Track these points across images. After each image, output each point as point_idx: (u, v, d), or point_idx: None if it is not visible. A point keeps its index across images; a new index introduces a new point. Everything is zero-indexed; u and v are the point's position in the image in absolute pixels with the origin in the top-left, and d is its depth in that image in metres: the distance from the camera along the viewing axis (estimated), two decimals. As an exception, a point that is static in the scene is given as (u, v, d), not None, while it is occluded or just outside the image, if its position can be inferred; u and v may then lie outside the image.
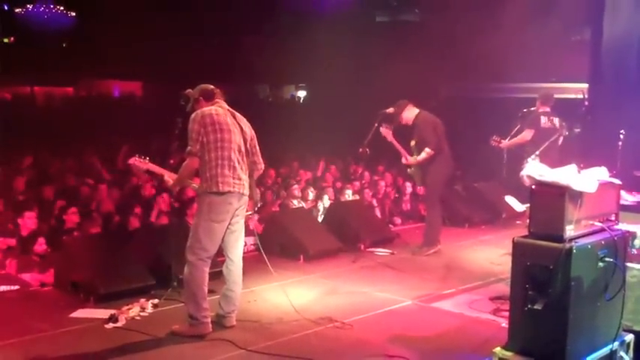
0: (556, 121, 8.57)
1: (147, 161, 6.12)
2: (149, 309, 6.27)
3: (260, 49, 21.43)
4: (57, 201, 9.66)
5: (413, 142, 8.52)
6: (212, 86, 5.92)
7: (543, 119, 8.52)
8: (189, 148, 5.64)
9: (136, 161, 6.13)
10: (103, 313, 6.07)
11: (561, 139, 8.54)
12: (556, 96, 8.89)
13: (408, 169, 8.83)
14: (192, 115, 5.70)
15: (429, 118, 8.49)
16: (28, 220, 8.37)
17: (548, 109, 8.63)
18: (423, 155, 8.35)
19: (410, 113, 8.49)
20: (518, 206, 7.19)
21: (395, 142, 8.56)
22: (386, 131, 8.46)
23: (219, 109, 5.78)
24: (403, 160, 8.67)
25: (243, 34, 21.74)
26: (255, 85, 27.13)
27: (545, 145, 8.02)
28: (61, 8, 25.03)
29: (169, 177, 5.98)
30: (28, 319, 6.04)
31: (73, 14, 25.23)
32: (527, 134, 8.51)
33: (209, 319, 5.77)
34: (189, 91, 5.94)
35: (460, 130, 14.09)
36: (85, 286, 6.55)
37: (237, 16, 21.07)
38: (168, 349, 5.44)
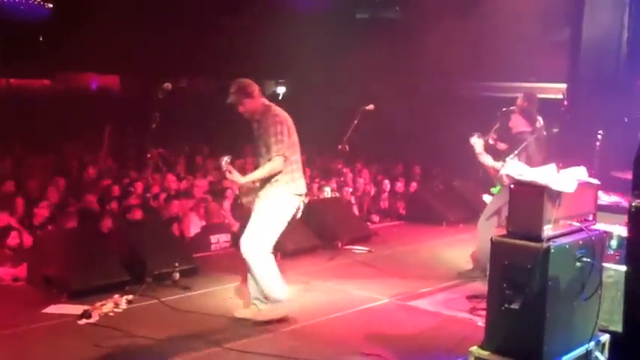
0: (540, 121, 8.56)
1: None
2: (123, 305, 6.19)
3: (240, 44, 21.32)
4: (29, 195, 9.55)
5: (513, 158, 6.95)
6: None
7: (538, 122, 8.48)
8: (279, 148, 5.65)
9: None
10: (76, 309, 5.98)
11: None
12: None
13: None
14: (274, 113, 5.76)
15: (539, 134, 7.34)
16: (1, 214, 8.24)
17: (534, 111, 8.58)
18: None
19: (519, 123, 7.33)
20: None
21: (485, 160, 7.23)
22: (478, 141, 7.28)
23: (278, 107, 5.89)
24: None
25: (222, 28, 21.61)
26: (234, 79, 27.01)
27: (524, 145, 7.98)
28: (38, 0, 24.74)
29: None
30: (-1, 315, 5.94)
31: (50, 6, 24.93)
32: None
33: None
34: (239, 81, 5.92)
35: (439, 128, 14.12)
36: (58, 282, 6.46)
37: (215, 10, 20.95)
38: (142, 346, 5.37)
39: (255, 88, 5.86)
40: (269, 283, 5.82)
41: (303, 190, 5.92)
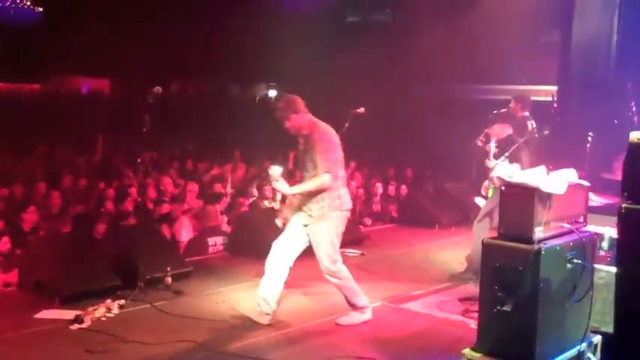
0: (533, 124, 8.57)
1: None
2: (115, 310, 6.16)
3: (230, 47, 21.33)
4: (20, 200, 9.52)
5: (504, 160, 7.12)
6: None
7: (529, 125, 8.49)
8: (328, 165, 5.73)
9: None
10: (68, 314, 5.95)
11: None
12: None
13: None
14: (322, 131, 5.85)
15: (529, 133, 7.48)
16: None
17: (527, 114, 8.61)
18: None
19: (499, 130, 7.42)
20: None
21: (492, 164, 7.21)
22: (487, 145, 7.38)
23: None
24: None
25: (213, 31, 21.62)
26: (225, 83, 27.01)
27: (514, 147, 8.00)
28: (28, 3, 24.66)
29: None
30: (-10, 320, 5.91)
31: (40, 9, 24.86)
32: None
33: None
34: (286, 97, 5.98)
35: (430, 131, 14.16)
36: (49, 286, 6.42)
37: (206, 14, 20.96)
38: (135, 351, 5.35)
39: (302, 105, 5.92)
40: (355, 289, 6.08)
41: (349, 205, 6.01)
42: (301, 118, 5.88)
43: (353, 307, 6.07)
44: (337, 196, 5.85)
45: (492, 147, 7.31)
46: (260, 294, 5.95)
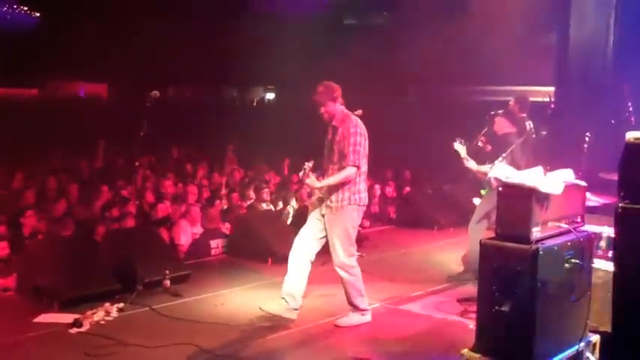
0: (530, 124, 8.58)
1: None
2: (114, 313, 6.18)
3: (228, 51, 21.35)
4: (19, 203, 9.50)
5: (501, 161, 6.75)
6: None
7: (527, 126, 8.51)
8: (355, 159, 5.82)
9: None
10: (67, 318, 5.96)
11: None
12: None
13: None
14: (354, 123, 5.92)
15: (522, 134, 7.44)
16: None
17: (525, 115, 8.63)
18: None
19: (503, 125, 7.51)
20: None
21: (470, 165, 7.29)
22: (461, 147, 7.32)
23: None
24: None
25: (211, 35, 21.64)
26: (222, 86, 27.03)
27: (511, 149, 8.01)
28: (25, 9, 24.66)
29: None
30: (-11, 325, 5.91)
31: (37, 14, 24.86)
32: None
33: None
34: (327, 83, 6.06)
35: (428, 132, 14.16)
36: (48, 291, 6.42)
37: (203, 18, 20.98)
38: (134, 354, 5.35)
39: (340, 94, 6.01)
40: (360, 290, 6.11)
41: (367, 201, 6.09)
42: (336, 107, 5.97)
43: (354, 307, 6.08)
44: (357, 190, 5.93)
45: (460, 148, 7.28)
46: (286, 290, 5.99)
